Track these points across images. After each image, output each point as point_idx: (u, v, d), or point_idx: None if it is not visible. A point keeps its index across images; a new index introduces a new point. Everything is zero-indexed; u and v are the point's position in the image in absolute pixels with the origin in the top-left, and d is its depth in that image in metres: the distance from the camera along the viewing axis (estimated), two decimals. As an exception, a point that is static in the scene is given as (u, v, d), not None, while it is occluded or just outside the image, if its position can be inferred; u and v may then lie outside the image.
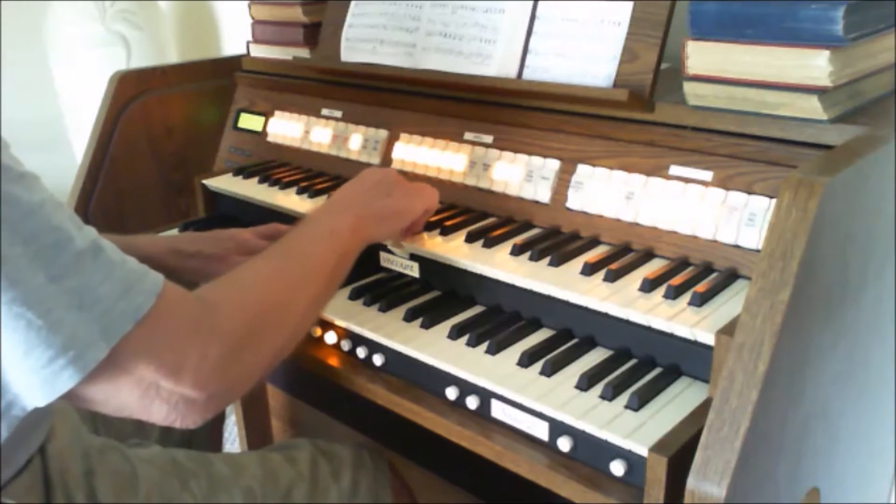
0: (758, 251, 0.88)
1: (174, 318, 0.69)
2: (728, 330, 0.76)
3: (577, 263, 0.96)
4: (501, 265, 0.98)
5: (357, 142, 1.32)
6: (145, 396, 0.67)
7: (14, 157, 0.64)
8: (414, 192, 1.02)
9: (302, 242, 0.87)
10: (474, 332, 0.93)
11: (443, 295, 1.06)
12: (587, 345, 0.92)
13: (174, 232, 1.35)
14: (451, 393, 0.89)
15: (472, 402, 0.88)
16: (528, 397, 0.82)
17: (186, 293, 0.73)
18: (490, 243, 1.03)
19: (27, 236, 0.61)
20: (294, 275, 0.83)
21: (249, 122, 1.53)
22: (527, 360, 0.88)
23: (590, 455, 0.79)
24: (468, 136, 1.19)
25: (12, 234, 0.61)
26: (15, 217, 0.61)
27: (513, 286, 0.97)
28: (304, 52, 1.46)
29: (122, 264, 0.67)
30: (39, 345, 0.61)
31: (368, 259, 1.12)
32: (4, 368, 0.63)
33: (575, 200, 1.05)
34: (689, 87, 0.96)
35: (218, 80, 1.60)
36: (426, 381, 0.93)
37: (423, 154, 1.22)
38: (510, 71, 1.13)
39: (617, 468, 0.76)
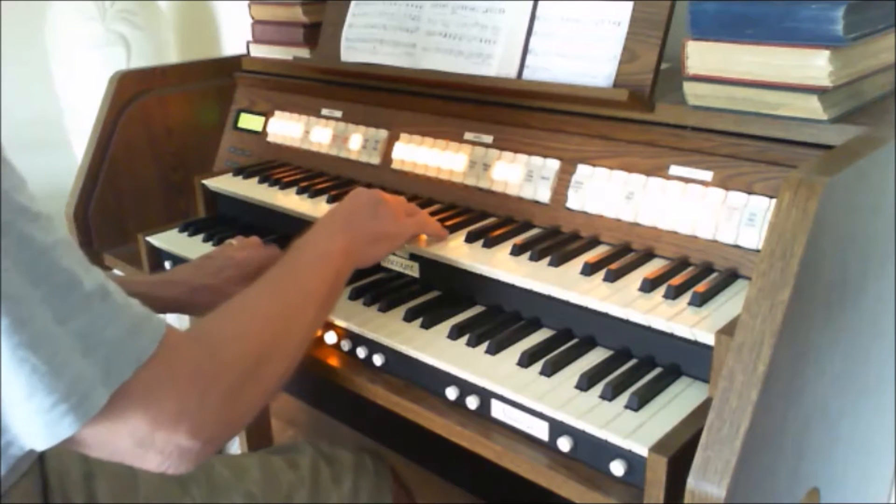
0: (758, 251, 0.88)
1: (175, 364, 0.68)
2: (728, 330, 0.76)
3: (577, 263, 0.96)
4: (501, 265, 0.98)
5: (357, 142, 1.32)
6: (140, 446, 0.66)
7: (30, 195, 0.63)
8: (400, 216, 1.00)
9: (295, 269, 0.87)
10: (474, 332, 0.93)
11: (443, 295, 1.06)
12: (587, 345, 0.92)
13: (174, 232, 1.35)
14: (451, 393, 0.89)
15: (472, 402, 0.88)
16: (528, 397, 0.82)
17: (187, 336, 0.72)
18: (490, 243, 1.03)
19: (38, 277, 0.61)
20: (290, 303, 0.82)
21: (249, 122, 1.53)
22: (527, 360, 0.88)
23: (590, 455, 0.79)
24: (468, 136, 1.19)
25: (26, 274, 0.60)
26: (28, 258, 0.61)
27: (513, 286, 0.97)
28: (304, 52, 1.46)
29: (128, 308, 0.67)
30: (42, 389, 0.60)
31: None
32: (5, 410, 0.62)
33: (575, 200, 1.05)
34: (689, 87, 0.96)
35: (218, 80, 1.60)
36: (426, 381, 0.93)
37: (423, 154, 1.22)
38: (510, 71, 1.13)
39: (617, 468, 0.76)
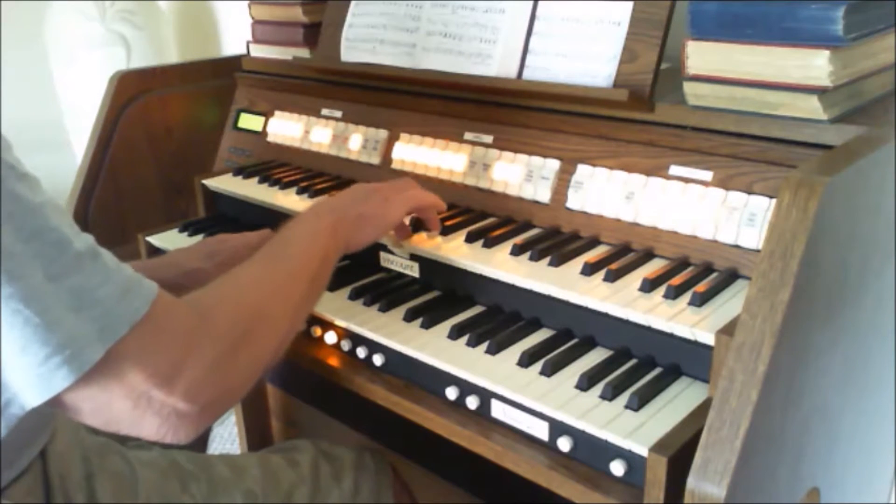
0: (758, 251, 0.88)
1: (168, 325, 0.69)
2: (728, 330, 0.76)
3: (577, 263, 0.96)
4: (501, 265, 0.98)
5: (357, 142, 1.32)
6: (137, 407, 0.66)
7: (16, 158, 0.65)
8: (391, 198, 1.00)
9: (285, 247, 0.88)
10: (474, 332, 0.93)
11: (443, 295, 1.06)
12: (587, 345, 0.92)
13: (174, 232, 1.35)
14: (451, 393, 0.89)
15: (471, 402, 0.88)
16: (528, 397, 0.82)
17: (180, 301, 0.73)
18: (490, 243, 1.03)
19: (29, 234, 0.62)
20: (280, 279, 0.84)
21: (249, 122, 1.53)
22: (527, 360, 0.88)
23: (590, 455, 0.79)
24: (468, 136, 1.19)
25: (16, 231, 0.61)
26: (19, 215, 0.61)
27: (513, 286, 0.97)
28: (304, 52, 1.46)
29: (119, 269, 0.68)
30: (36, 342, 0.61)
31: (368, 259, 1.12)
32: (3, 365, 0.63)
33: (575, 200, 1.05)
34: (689, 87, 0.96)
35: (218, 80, 1.60)
36: (426, 381, 0.93)
37: (423, 154, 1.22)
38: (510, 71, 1.13)
39: (617, 468, 0.76)
